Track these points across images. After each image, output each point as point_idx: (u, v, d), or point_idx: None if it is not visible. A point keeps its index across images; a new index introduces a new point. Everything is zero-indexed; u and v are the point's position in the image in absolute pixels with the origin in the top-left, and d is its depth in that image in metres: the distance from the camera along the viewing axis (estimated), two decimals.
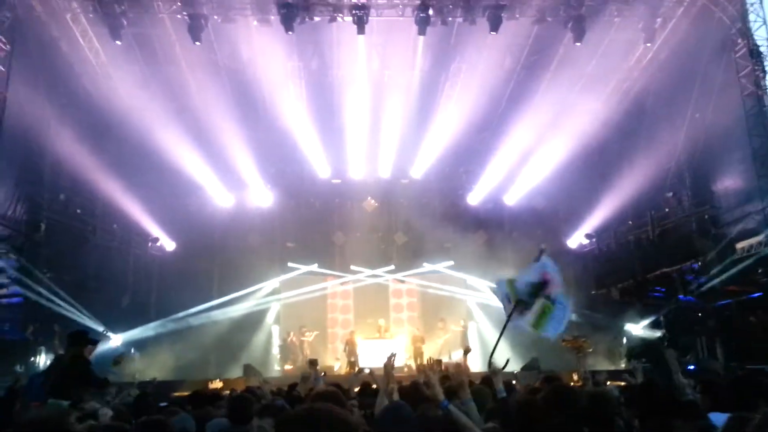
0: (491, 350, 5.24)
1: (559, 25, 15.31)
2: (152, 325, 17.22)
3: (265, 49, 15.68)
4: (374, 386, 7.06)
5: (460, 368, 4.93)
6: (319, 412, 1.48)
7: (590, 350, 13.74)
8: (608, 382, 8.68)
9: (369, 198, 20.84)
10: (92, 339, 7.17)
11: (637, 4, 15.06)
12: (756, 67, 13.74)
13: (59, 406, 4.08)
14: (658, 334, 16.51)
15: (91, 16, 14.95)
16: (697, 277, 15.84)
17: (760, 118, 13.94)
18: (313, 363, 8.70)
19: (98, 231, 17.04)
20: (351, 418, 1.47)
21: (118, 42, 14.92)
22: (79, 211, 16.49)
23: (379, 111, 17.99)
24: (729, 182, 15.69)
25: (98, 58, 16.24)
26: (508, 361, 5.26)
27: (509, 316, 5.10)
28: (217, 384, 14.24)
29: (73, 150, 15.12)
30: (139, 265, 18.39)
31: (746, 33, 13.85)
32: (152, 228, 18.35)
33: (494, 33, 14.75)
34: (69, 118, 15.21)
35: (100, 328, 14.73)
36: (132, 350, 17.30)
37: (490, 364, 5.03)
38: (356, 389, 7.54)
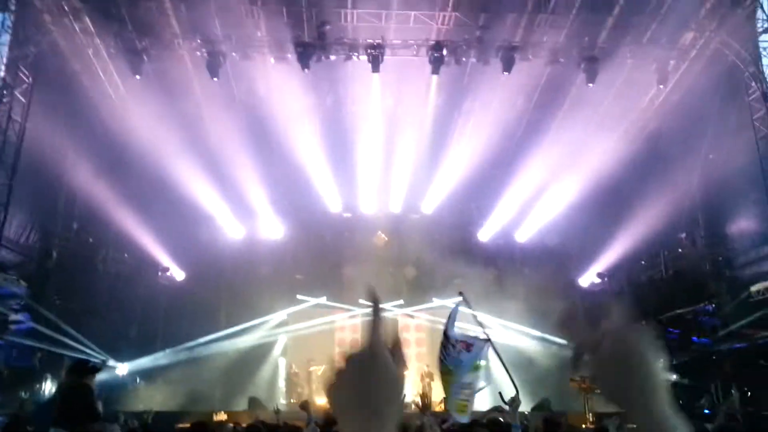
0: (512, 387, 5.38)
1: (572, 66, 15.46)
2: (159, 354, 17.15)
3: (281, 86, 15.95)
4: None
5: None
6: None
7: (599, 391, 13.44)
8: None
9: (379, 232, 20.84)
10: (93, 367, 7.12)
11: (650, 46, 15.18)
12: None
13: None
14: (673, 377, 16.17)
15: (112, 51, 15.31)
16: (711, 318, 15.60)
17: None
18: (304, 406, 8.56)
19: (109, 260, 17.15)
20: None
21: (138, 77, 15.23)
22: (91, 240, 16.61)
23: (391, 146, 18.13)
24: (743, 224, 15.56)
25: (117, 92, 16.58)
26: (517, 394, 5.32)
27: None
28: (221, 416, 14.09)
29: (88, 180, 15.34)
30: (148, 295, 18.38)
31: (759, 77, 13.91)
32: (162, 258, 18.43)
33: (507, 73, 14.92)
34: (86, 149, 15.46)
35: (102, 358, 14.71)
36: (138, 380, 17.23)
37: (513, 401, 5.11)
38: None
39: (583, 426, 12.52)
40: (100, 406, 6.99)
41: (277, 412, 8.96)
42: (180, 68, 16.05)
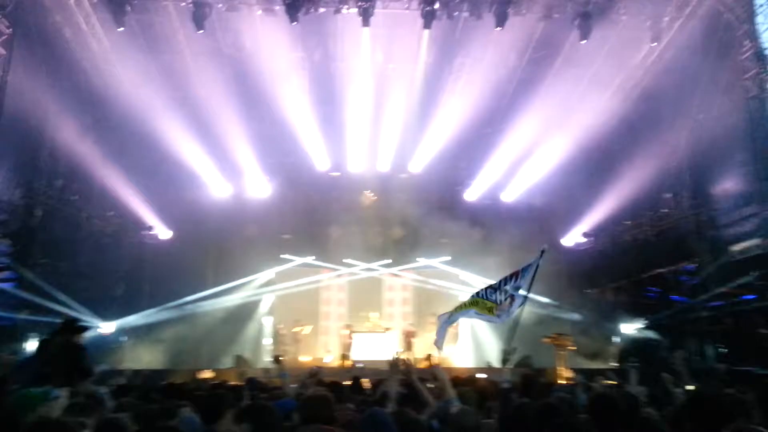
0: (506, 346, 5.56)
1: (566, 22, 15.25)
2: (145, 313, 17.11)
3: (268, 39, 15.53)
4: (364, 381, 7.04)
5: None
6: None
7: (573, 348, 13.81)
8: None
9: (367, 191, 20.76)
10: (83, 326, 7.28)
11: (644, 2, 15.02)
12: (761, 70, 13.72)
13: (29, 395, 3.98)
14: (650, 335, 16.60)
15: (95, 1, 14.73)
16: (691, 278, 15.91)
17: (763, 121, 13.95)
18: (277, 360, 8.63)
19: (93, 218, 16.87)
20: None
21: (121, 29, 14.72)
22: (75, 197, 16.29)
23: (381, 104, 17.90)
24: (729, 184, 15.72)
25: (101, 45, 16.01)
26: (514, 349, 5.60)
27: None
28: (207, 374, 14.22)
29: (71, 136, 14.94)
30: (134, 254, 18.23)
31: (753, 35, 13.83)
32: (148, 216, 18.20)
33: (500, 28, 14.68)
34: (69, 104, 14.99)
35: (87, 319, 14.64)
36: (125, 337, 17.22)
37: (504, 361, 5.32)
38: (347, 383, 7.49)
39: (558, 382, 12.83)
40: (91, 365, 7.00)
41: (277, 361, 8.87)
42: (164, 20, 15.54)
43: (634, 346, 16.75)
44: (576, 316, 18.64)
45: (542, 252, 6.32)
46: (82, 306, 14.74)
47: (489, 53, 16.37)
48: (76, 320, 7.39)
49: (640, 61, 17.04)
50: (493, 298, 6.06)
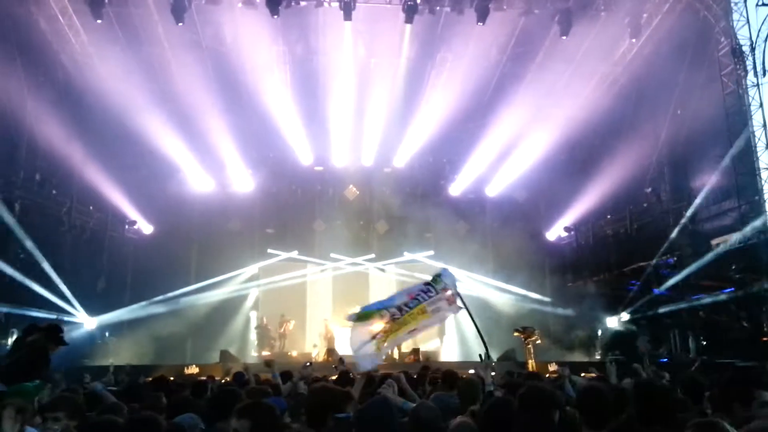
0: (482, 344, 5.46)
1: (546, 18, 15.32)
2: (128, 309, 17.01)
3: (249, 33, 15.44)
4: (351, 375, 7.07)
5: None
6: None
7: (538, 341, 14.11)
8: (582, 375, 8.75)
9: (351, 186, 20.76)
10: (62, 340, 6.55)
11: None
12: (738, 66, 13.87)
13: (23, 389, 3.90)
14: (632, 328, 16.81)
15: None
16: (671, 271, 16.09)
17: (740, 116, 14.11)
18: (269, 364, 8.61)
19: (73, 212, 16.72)
20: None
21: (99, 21, 14.56)
22: (54, 191, 16.14)
23: (363, 98, 17.87)
24: (708, 179, 15.91)
25: (78, 37, 15.85)
26: (489, 356, 5.43)
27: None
28: (193, 369, 14.15)
29: (50, 129, 14.78)
30: (115, 248, 18.10)
31: (729, 32, 13.98)
32: (129, 210, 18.07)
33: (481, 24, 14.71)
34: (47, 96, 14.85)
35: (70, 312, 14.54)
36: (107, 334, 17.11)
37: (483, 358, 5.22)
38: (333, 378, 7.51)
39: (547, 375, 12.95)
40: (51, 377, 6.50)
41: (246, 368, 8.76)
42: (143, 12, 15.38)
43: (616, 339, 16.93)
44: (560, 310, 18.80)
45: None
46: (63, 301, 14.64)
47: (471, 48, 16.39)
48: (60, 329, 6.95)
49: (620, 57, 17.18)
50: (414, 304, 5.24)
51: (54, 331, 6.65)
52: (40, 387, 4.02)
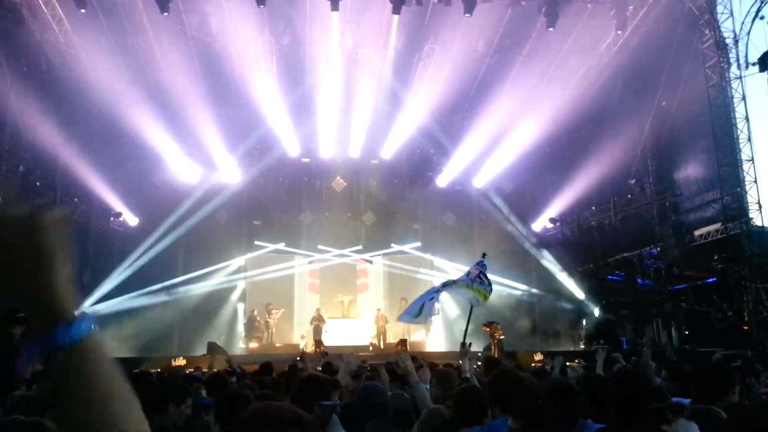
0: (463, 333, 5.67)
1: (533, 10, 15.36)
2: (114, 301, 16.90)
3: (235, 22, 15.33)
4: (334, 366, 7.10)
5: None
6: (274, 410, 1.47)
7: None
8: (567, 364, 8.88)
9: (338, 177, 20.74)
10: (21, 318, 6.24)
11: None
12: (721, 59, 14.04)
13: None
14: (615, 318, 17.01)
15: None
16: (655, 261, 16.31)
17: (723, 108, 14.30)
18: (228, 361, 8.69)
19: (58, 204, 16.54)
20: (306, 416, 1.47)
21: (82, 10, 14.37)
22: (38, 183, 15.95)
23: (350, 89, 17.83)
24: (691, 170, 16.13)
25: (61, 27, 15.62)
26: (470, 344, 5.66)
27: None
28: (180, 361, 14.14)
29: (33, 120, 14.58)
30: (101, 240, 17.94)
31: (713, 24, 14.13)
32: (114, 202, 17.91)
33: (468, 15, 14.72)
34: (29, 87, 14.62)
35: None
36: (92, 326, 16.97)
37: (462, 345, 5.40)
38: (318, 368, 7.55)
39: (531, 365, 13.20)
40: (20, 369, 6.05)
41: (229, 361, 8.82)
42: (128, 1, 15.21)
43: (600, 328, 17.13)
44: (544, 300, 19.00)
45: (483, 255, 7.02)
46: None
47: (458, 40, 16.43)
48: (13, 311, 6.37)
49: (605, 49, 17.29)
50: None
51: (7, 314, 6.21)
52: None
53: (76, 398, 0.80)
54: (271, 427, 1.42)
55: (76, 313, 0.85)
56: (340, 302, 19.17)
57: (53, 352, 0.81)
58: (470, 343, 6.14)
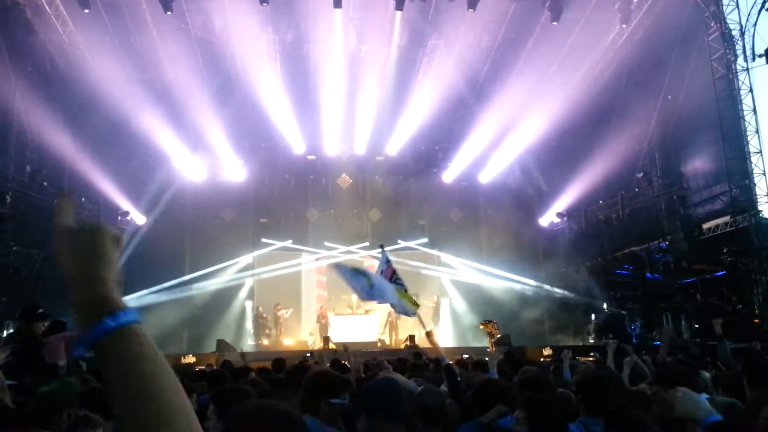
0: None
1: (537, 4, 15.28)
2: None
3: (238, 21, 15.36)
4: (344, 362, 7.11)
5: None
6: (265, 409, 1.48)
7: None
8: (578, 358, 8.87)
9: (343, 174, 20.74)
10: (42, 314, 6.31)
11: None
12: (727, 51, 13.93)
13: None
14: (623, 311, 16.96)
15: None
16: (663, 255, 16.22)
17: (730, 100, 14.18)
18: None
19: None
20: (296, 417, 1.49)
21: (86, 10, 14.42)
22: (45, 183, 16.04)
23: (354, 86, 17.81)
24: (698, 164, 16.02)
25: (65, 27, 15.68)
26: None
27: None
28: (189, 359, 14.21)
29: (39, 121, 14.66)
30: None
31: (719, 16, 14.00)
32: (122, 202, 17.98)
33: (472, 10, 14.66)
34: (35, 87, 14.72)
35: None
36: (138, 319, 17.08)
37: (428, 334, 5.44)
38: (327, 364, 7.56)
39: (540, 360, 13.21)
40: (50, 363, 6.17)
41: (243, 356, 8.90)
42: (131, 1, 15.26)
43: (608, 323, 17.08)
44: (553, 295, 18.96)
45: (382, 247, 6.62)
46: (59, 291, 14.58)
47: (461, 35, 16.38)
48: (34, 307, 6.54)
49: (610, 42, 17.19)
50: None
51: (28, 311, 6.33)
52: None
53: (132, 384, 0.84)
54: (257, 426, 1.43)
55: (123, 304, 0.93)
56: (348, 299, 19.15)
57: (103, 340, 0.87)
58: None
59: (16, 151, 15.13)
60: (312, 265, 20.24)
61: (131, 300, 16.83)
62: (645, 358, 6.55)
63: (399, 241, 19.96)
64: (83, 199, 17.24)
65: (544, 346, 14.96)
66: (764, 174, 14.17)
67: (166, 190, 18.49)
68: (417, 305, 6.04)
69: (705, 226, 15.37)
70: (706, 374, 4.43)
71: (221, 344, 16.08)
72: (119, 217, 18.27)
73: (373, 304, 19.74)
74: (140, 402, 0.83)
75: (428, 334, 5.54)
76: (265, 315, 18.74)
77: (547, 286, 19.11)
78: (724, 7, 14.06)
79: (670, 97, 16.09)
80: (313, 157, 20.36)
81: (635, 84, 17.17)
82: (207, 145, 18.46)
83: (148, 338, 0.91)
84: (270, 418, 1.44)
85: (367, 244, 20.19)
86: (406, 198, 20.15)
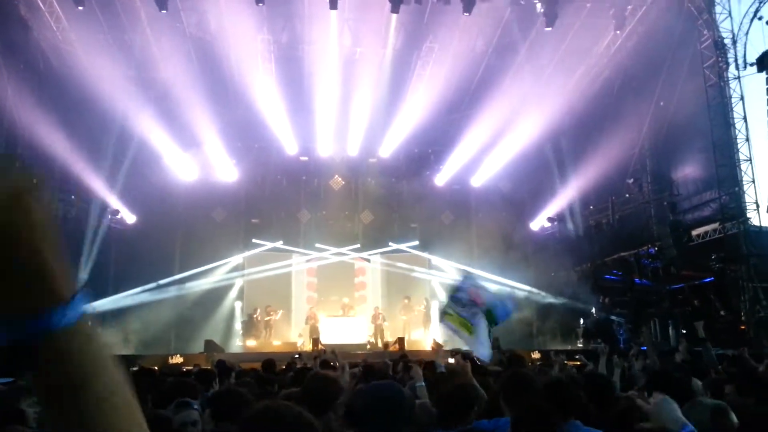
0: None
1: (532, 9, 15.36)
2: (111, 299, 16.87)
3: (233, 20, 15.31)
4: (332, 364, 7.11)
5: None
6: (281, 411, 1.48)
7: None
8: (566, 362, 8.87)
9: (336, 176, 20.73)
10: None
11: None
12: (720, 59, 14.06)
13: None
14: (613, 317, 17.02)
15: None
16: (652, 261, 16.32)
17: (721, 108, 14.31)
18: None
19: (55, 202, 16.49)
20: (309, 418, 1.49)
21: (80, 7, 14.35)
22: (35, 180, 15.88)
23: (349, 88, 17.81)
24: (689, 170, 16.15)
25: (59, 24, 15.59)
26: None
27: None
28: (177, 359, 14.12)
29: (30, 117, 14.54)
30: (98, 238, 17.89)
31: (711, 24, 14.14)
32: (112, 200, 17.88)
33: (467, 14, 14.72)
34: (27, 83, 14.60)
35: None
36: (89, 324, 16.95)
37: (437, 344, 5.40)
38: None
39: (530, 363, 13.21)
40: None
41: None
42: None
43: (597, 327, 17.15)
44: (542, 299, 19.01)
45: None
46: None
47: (456, 39, 16.43)
48: None
49: (604, 48, 17.30)
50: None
51: None
52: None
53: (73, 390, 0.71)
54: (271, 428, 1.43)
55: (74, 290, 0.74)
56: (338, 301, 19.12)
57: (45, 335, 0.70)
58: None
59: (7, 148, 14.99)
60: (303, 266, 20.20)
61: (119, 299, 16.77)
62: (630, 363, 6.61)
63: (390, 243, 19.99)
64: (73, 196, 17.15)
65: (533, 350, 14.99)
66: (753, 182, 14.31)
67: (158, 188, 18.42)
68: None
69: (694, 232, 15.49)
70: (698, 382, 4.42)
71: (209, 344, 16.01)
72: (109, 216, 18.17)
73: (362, 306, 19.84)
74: (84, 408, 0.72)
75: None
76: (254, 315, 18.66)
77: (537, 290, 19.16)
78: (717, 15, 14.20)
79: (662, 103, 16.21)
80: (305, 158, 20.34)
81: (628, 90, 17.28)
82: (199, 144, 18.39)
83: (99, 336, 0.78)
84: (283, 419, 1.43)
85: (358, 245, 20.20)
86: (398, 200, 20.18)
